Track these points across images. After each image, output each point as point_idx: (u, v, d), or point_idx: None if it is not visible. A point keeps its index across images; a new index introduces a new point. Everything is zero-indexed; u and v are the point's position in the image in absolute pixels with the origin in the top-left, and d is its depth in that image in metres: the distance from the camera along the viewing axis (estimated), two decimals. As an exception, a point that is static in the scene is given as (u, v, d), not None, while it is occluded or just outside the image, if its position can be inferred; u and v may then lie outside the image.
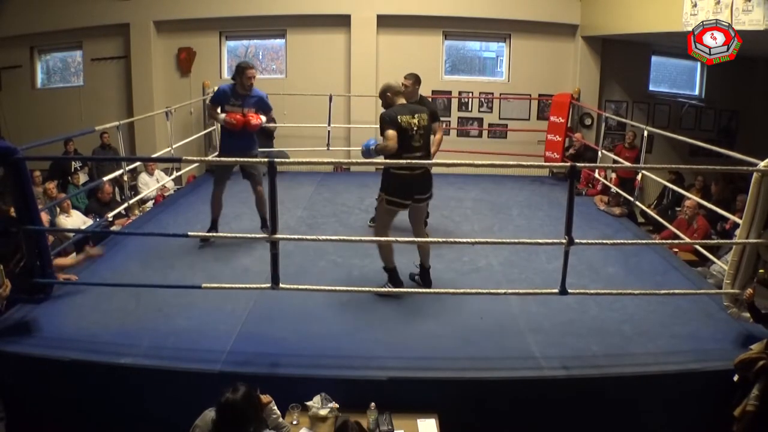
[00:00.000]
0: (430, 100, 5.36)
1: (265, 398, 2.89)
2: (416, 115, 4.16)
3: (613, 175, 7.53)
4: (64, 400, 3.45)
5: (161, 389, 3.36)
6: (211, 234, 5.00)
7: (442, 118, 9.18)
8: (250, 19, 9.20)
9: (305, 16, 9.10)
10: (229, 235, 5.05)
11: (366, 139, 4.43)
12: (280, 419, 2.96)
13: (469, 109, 9.48)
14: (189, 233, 4.08)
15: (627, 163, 7.25)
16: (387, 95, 4.29)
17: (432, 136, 4.74)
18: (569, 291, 3.66)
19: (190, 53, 9.38)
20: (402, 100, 4.29)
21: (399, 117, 4.08)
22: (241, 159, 4.86)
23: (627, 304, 4.22)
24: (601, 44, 9.04)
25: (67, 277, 4.20)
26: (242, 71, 4.98)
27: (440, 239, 4.78)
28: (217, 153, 5.85)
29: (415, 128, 4.15)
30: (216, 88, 5.23)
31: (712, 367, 3.47)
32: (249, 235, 5.25)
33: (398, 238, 4.47)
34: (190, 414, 2.74)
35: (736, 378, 3.29)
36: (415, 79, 5.19)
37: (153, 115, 8.34)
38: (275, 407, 2.94)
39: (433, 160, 5.28)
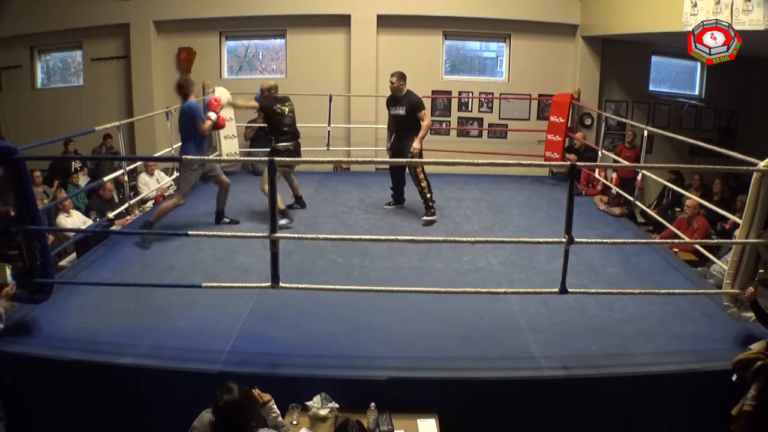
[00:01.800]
0: (417, 95, 6.14)
1: (265, 397, 2.89)
2: (287, 104, 5.90)
3: (614, 175, 7.53)
4: (64, 400, 3.45)
5: (161, 389, 3.36)
6: (207, 233, 5.01)
7: (442, 118, 9.37)
8: (250, 19, 9.20)
9: (305, 16, 9.10)
10: (229, 234, 5.06)
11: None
12: (280, 418, 2.96)
13: (469, 109, 9.48)
14: (189, 233, 4.08)
15: (627, 163, 7.26)
16: (271, 91, 5.89)
17: (421, 122, 5.98)
18: (569, 290, 3.66)
19: (190, 53, 9.37)
20: (276, 94, 5.90)
21: (277, 106, 5.82)
22: (244, 158, 4.92)
23: (627, 304, 4.22)
24: (601, 44, 9.04)
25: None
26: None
27: (440, 239, 4.77)
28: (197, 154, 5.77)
29: (287, 113, 5.86)
30: (191, 107, 5.31)
31: (712, 367, 3.46)
32: (249, 235, 5.25)
33: (398, 238, 4.47)
34: (189, 414, 2.74)
35: (734, 378, 3.30)
36: (400, 76, 6.02)
37: (153, 115, 8.34)
38: (275, 406, 2.94)
39: (435, 160, 5.48)
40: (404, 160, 5.77)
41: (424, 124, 5.96)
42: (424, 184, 5.97)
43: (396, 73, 6.02)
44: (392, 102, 6.13)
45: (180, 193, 5.45)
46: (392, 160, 6.05)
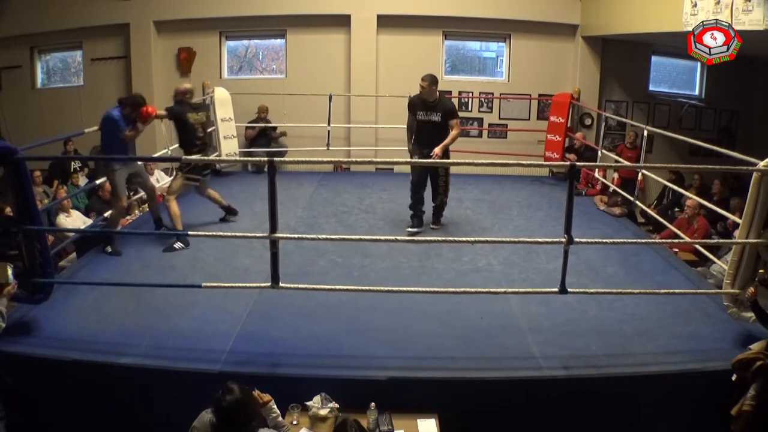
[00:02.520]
0: (451, 100, 5.76)
1: (265, 397, 2.89)
2: (200, 113, 5.50)
3: (615, 175, 7.52)
4: (64, 400, 3.45)
5: (161, 389, 3.36)
6: (207, 234, 5.00)
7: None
8: (250, 19, 9.19)
9: (305, 16, 9.10)
10: (229, 234, 5.06)
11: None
12: (280, 418, 2.96)
13: (469, 109, 9.47)
14: (189, 233, 4.08)
15: (627, 163, 7.25)
16: (186, 96, 5.45)
17: (450, 131, 5.55)
18: (569, 290, 3.66)
19: (190, 53, 9.37)
20: (190, 100, 5.47)
21: (190, 115, 5.38)
22: (243, 159, 4.87)
23: (627, 304, 4.22)
24: (601, 44, 9.03)
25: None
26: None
27: (440, 239, 4.78)
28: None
29: (199, 124, 5.44)
30: (113, 117, 5.10)
31: (712, 367, 3.47)
32: (249, 235, 5.25)
33: (398, 238, 4.48)
34: (190, 414, 2.74)
35: (734, 378, 3.30)
36: (432, 80, 5.54)
37: (153, 116, 8.32)
38: (275, 406, 2.94)
39: (436, 160, 5.45)
40: (426, 161, 5.48)
41: (454, 132, 5.55)
42: (446, 196, 5.85)
43: (427, 76, 5.54)
44: (422, 106, 5.60)
45: (117, 197, 5.14)
46: (409, 161, 5.69)
